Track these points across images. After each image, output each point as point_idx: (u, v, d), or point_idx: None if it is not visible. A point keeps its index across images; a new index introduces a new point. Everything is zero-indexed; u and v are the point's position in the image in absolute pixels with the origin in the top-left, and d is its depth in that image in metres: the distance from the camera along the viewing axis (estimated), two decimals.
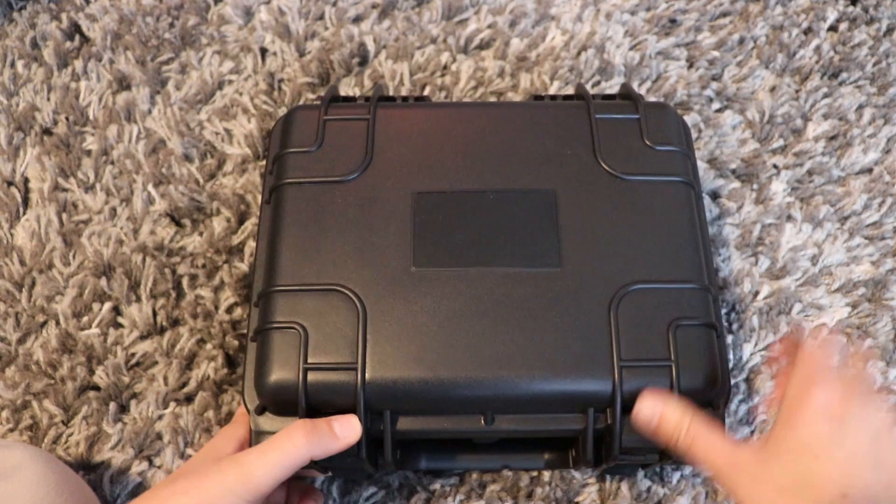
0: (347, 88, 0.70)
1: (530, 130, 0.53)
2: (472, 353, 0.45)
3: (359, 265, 0.48)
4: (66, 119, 0.68)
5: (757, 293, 0.60)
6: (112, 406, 0.56)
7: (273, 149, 0.54)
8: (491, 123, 0.53)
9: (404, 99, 0.58)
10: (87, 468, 0.55)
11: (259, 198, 0.64)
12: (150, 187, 0.64)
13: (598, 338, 0.46)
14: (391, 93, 0.69)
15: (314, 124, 0.53)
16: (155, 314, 0.59)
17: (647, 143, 0.52)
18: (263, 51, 0.71)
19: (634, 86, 0.69)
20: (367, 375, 0.45)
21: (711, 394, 0.46)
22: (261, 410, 0.47)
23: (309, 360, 0.45)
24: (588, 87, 0.69)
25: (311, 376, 0.45)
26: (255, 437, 0.46)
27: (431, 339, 0.46)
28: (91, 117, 0.68)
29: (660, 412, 0.43)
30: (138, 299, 0.60)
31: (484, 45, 0.72)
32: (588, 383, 0.45)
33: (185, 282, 0.61)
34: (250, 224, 0.63)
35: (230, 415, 0.56)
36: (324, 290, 0.47)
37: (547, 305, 0.47)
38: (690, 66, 0.71)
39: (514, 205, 0.50)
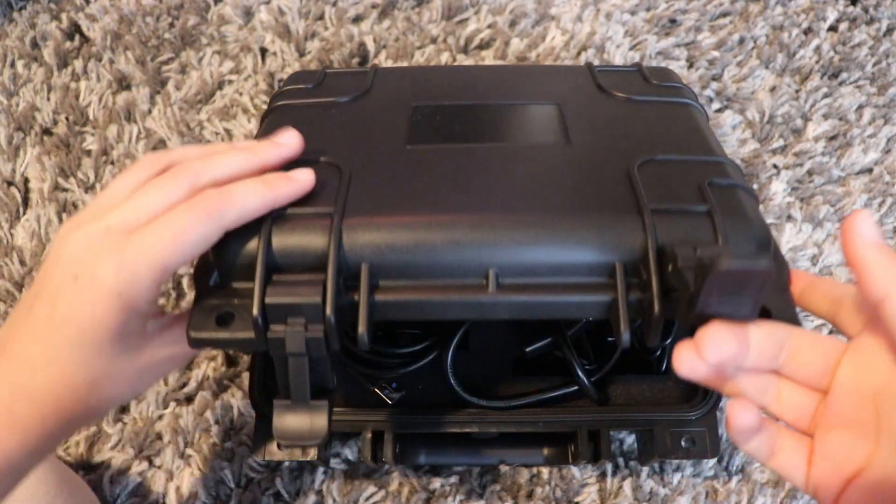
0: None
1: (532, 75, 0.55)
2: (474, 204, 0.39)
3: (352, 149, 0.44)
4: (66, 119, 0.68)
5: None
6: None
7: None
8: (492, 72, 0.57)
9: None
10: (87, 468, 0.55)
11: None
12: None
13: (620, 192, 0.39)
14: None
15: (314, 74, 0.53)
16: None
17: (651, 82, 0.51)
18: (263, 51, 0.71)
19: None
20: (343, 220, 0.37)
21: (766, 257, 0.33)
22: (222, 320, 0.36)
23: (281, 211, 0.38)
24: None
25: (278, 225, 0.36)
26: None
27: (424, 194, 0.40)
28: (91, 117, 0.68)
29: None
30: None
31: (484, 45, 0.72)
32: (612, 234, 0.36)
33: (185, 282, 0.61)
34: None
35: (231, 413, 0.56)
36: (310, 162, 0.41)
37: (558, 173, 0.42)
38: (690, 66, 0.71)
39: (517, 109, 0.49)
